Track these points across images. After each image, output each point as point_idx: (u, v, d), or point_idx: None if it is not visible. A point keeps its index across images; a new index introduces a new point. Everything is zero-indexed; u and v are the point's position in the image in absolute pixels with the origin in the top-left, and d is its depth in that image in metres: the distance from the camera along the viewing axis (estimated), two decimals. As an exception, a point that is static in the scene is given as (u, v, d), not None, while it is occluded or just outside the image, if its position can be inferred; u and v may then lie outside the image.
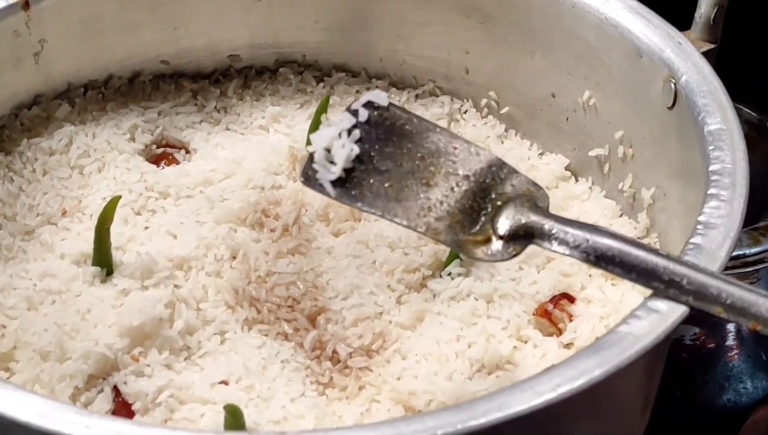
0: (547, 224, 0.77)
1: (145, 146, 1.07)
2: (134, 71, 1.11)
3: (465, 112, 1.13)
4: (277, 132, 1.10)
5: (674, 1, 1.05)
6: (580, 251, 0.76)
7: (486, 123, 1.12)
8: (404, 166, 0.79)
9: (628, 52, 0.98)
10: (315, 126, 1.06)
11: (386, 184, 0.78)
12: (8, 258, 0.96)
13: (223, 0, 1.10)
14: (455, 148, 0.81)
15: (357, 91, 1.15)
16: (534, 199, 0.79)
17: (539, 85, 1.08)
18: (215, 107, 1.12)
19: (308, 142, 1.05)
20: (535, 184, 0.81)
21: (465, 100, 1.14)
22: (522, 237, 0.78)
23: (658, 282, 0.75)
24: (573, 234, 0.77)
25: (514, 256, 0.78)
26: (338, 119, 0.79)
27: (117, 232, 0.95)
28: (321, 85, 1.15)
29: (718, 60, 1.02)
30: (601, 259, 0.76)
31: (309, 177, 0.79)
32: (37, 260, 0.95)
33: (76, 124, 1.06)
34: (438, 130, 0.82)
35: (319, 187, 0.78)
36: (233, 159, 1.04)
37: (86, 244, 0.94)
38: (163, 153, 1.07)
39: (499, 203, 0.79)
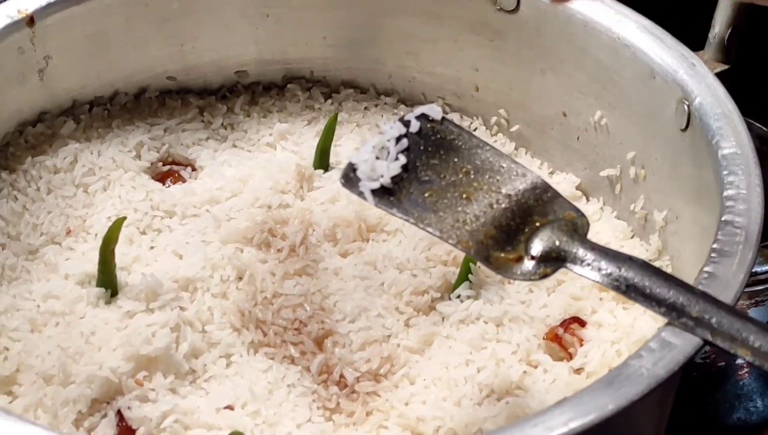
0: (581, 250, 0.77)
1: (151, 164, 1.06)
2: (140, 87, 1.11)
3: (475, 130, 1.12)
4: (284, 149, 1.09)
5: (688, 22, 1.04)
6: (611, 280, 0.76)
7: (496, 141, 1.11)
8: (447, 179, 0.80)
9: (641, 73, 0.97)
10: (323, 144, 1.05)
11: (426, 194, 0.79)
12: (12, 278, 0.95)
13: (231, 16, 1.10)
14: (501, 167, 0.81)
15: (365, 108, 1.14)
16: (573, 224, 0.79)
17: (550, 103, 1.07)
18: (222, 124, 1.11)
19: (316, 160, 1.05)
20: (577, 210, 0.81)
21: (474, 118, 1.13)
22: (554, 259, 0.77)
23: (687, 318, 0.74)
24: (606, 262, 0.76)
25: (545, 277, 0.78)
26: (389, 127, 0.80)
27: (122, 253, 0.94)
28: (329, 101, 1.14)
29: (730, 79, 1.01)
30: (631, 290, 0.75)
31: (350, 180, 0.79)
32: (40, 281, 0.94)
33: (81, 142, 1.05)
34: (488, 148, 0.82)
35: (358, 193, 0.79)
36: (240, 177, 1.03)
37: (91, 264, 0.93)
38: (169, 170, 1.06)
39: (537, 225, 0.79)
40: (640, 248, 1.00)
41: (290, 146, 1.09)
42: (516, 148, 1.11)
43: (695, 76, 0.94)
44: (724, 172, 0.86)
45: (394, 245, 0.97)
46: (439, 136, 0.81)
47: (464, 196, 0.80)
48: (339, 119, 1.08)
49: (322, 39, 1.13)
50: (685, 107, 0.93)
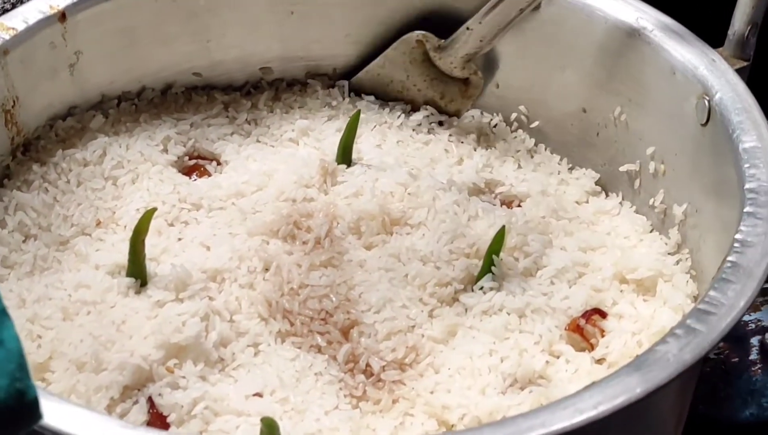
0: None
1: (178, 158, 1.07)
2: (167, 83, 1.12)
3: (495, 126, 1.14)
4: (306, 145, 1.10)
5: (708, 19, 1.05)
6: None
7: (516, 137, 1.13)
8: None
9: (662, 69, 0.99)
10: (346, 140, 1.06)
11: None
12: (43, 268, 0.96)
13: (256, 13, 1.11)
14: None
15: (384, 105, 1.15)
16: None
17: (570, 99, 1.08)
18: (246, 119, 1.13)
19: (339, 155, 1.06)
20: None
21: (495, 114, 1.14)
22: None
23: None
24: None
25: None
26: None
27: (151, 244, 0.95)
28: (347, 100, 1.15)
29: (749, 76, 1.03)
30: None
31: None
32: (71, 271, 0.95)
33: (110, 136, 1.07)
34: None
35: None
36: (264, 171, 1.05)
37: (120, 255, 0.95)
38: (195, 164, 1.07)
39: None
40: (659, 242, 1.01)
41: (312, 142, 1.10)
42: (536, 144, 1.12)
43: (715, 72, 0.96)
44: (746, 166, 0.87)
45: (417, 238, 0.98)
46: None
47: None
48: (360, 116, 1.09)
49: (345, 36, 1.14)
50: (706, 102, 0.94)
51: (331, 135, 1.11)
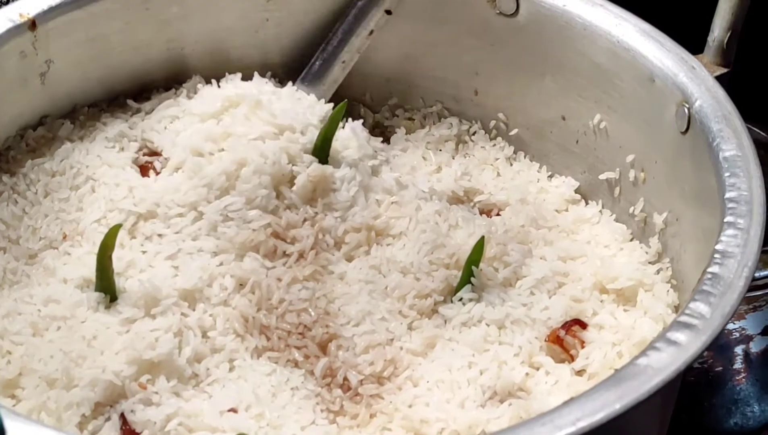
0: None
1: (135, 156, 1.02)
2: (140, 92, 1.10)
3: (474, 134, 1.13)
4: (260, 120, 1.01)
5: (687, 25, 1.04)
6: None
7: (495, 145, 1.12)
8: None
9: (641, 76, 0.98)
10: (327, 131, 1.00)
11: None
12: (13, 282, 0.94)
13: (230, 20, 1.10)
14: None
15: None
16: None
17: (549, 107, 1.08)
18: (187, 95, 1.08)
19: (316, 147, 1.00)
20: None
21: (474, 122, 1.13)
22: None
23: None
24: None
25: None
26: None
27: (115, 257, 0.91)
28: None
29: (729, 83, 1.02)
30: None
31: None
32: (41, 285, 0.94)
33: (74, 141, 1.04)
34: None
35: None
36: (224, 170, 0.97)
37: (87, 268, 0.93)
38: (146, 163, 1.02)
39: None
40: (639, 250, 1.00)
41: (267, 117, 1.01)
42: (515, 152, 1.11)
43: (695, 79, 0.95)
44: (726, 174, 0.87)
45: (398, 249, 0.97)
46: None
47: None
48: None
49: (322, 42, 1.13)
50: (686, 110, 0.94)
51: (289, 107, 1.02)
